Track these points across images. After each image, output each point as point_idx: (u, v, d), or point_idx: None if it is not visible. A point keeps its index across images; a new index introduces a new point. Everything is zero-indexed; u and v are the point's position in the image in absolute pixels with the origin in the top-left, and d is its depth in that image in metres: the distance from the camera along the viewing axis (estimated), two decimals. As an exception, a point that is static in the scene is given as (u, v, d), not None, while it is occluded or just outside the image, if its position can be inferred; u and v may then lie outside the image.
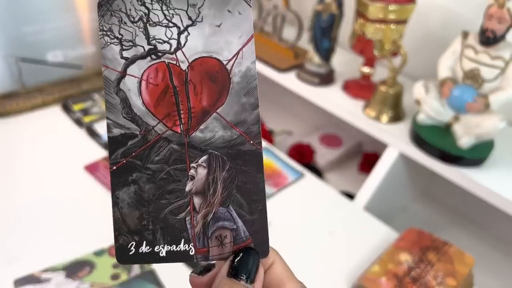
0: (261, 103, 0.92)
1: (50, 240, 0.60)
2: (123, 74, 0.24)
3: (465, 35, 0.66)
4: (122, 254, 0.25)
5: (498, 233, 0.84)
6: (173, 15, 0.24)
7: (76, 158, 0.74)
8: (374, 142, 0.82)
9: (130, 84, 0.24)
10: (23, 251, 0.58)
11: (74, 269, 0.56)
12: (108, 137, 0.25)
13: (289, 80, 0.86)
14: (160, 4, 0.24)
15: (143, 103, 0.25)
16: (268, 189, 0.72)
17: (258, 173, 0.26)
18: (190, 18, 0.24)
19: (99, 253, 0.59)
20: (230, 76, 0.25)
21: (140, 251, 0.25)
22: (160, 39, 0.24)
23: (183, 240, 0.25)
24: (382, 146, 0.76)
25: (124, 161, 0.25)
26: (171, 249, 0.25)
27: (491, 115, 0.64)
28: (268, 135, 1.01)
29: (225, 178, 0.25)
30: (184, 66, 0.25)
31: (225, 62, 0.24)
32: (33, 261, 0.57)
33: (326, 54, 0.81)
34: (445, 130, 0.69)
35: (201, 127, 0.25)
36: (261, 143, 0.25)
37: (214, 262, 0.26)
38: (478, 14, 0.63)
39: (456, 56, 0.67)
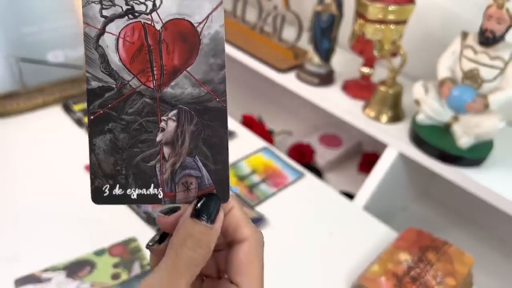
0: (261, 103, 0.92)
1: (51, 239, 0.60)
2: (102, 31, 0.26)
3: (464, 35, 0.66)
4: (97, 196, 0.28)
5: (498, 233, 0.84)
6: None
7: (77, 158, 0.74)
8: (373, 142, 0.82)
9: (108, 41, 0.26)
10: (24, 250, 0.58)
11: (75, 268, 0.56)
12: (87, 89, 0.27)
13: (289, 80, 0.86)
14: None
15: (120, 59, 0.27)
16: (268, 189, 0.73)
17: (222, 128, 0.28)
18: None
19: (99, 253, 0.59)
20: (200, 38, 0.27)
21: (114, 193, 0.28)
22: (137, 0, 0.26)
23: (152, 185, 0.28)
24: (382, 146, 0.76)
25: (101, 112, 0.27)
26: (142, 193, 0.28)
27: (490, 115, 0.64)
28: (268, 135, 1.01)
29: (192, 131, 0.28)
30: (158, 27, 0.27)
31: (196, 25, 0.26)
32: (33, 261, 0.57)
33: (326, 54, 0.82)
34: (445, 130, 0.70)
35: (172, 83, 0.27)
36: (226, 101, 0.27)
37: (180, 205, 0.28)
38: (477, 15, 0.63)
39: (456, 56, 0.67)
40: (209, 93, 0.27)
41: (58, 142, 0.78)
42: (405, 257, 0.59)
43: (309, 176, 0.77)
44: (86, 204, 0.69)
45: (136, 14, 0.26)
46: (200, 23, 0.26)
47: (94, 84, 0.27)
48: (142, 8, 0.26)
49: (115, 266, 0.57)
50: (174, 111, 0.27)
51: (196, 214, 0.26)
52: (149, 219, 0.65)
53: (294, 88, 0.86)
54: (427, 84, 0.70)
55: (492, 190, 0.63)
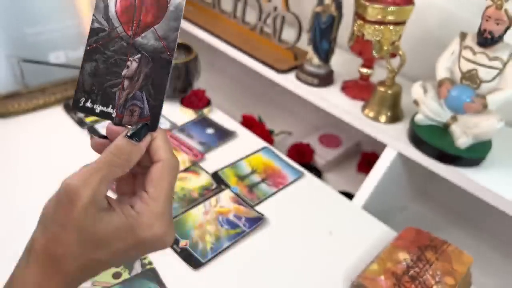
0: (261, 103, 0.93)
1: (52, 239, 0.61)
2: None
3: (463, 36, 0.66)
4: (75, 105, 0.37)
5: (496, 233, 0.85)
6: None
7: (78, 158, 0.74)
8: (373, 142, 0.83)
9: None
10: (25, 250, 0.59)
11: (76, 268, 0.57)
12: (90, 28, 0.36)
13: (289, 81, 0.87)
14: None
15: (116, 10, 0.36)
16: (268, 189, 0.73)
17: (166, 74, 0.35)
18: None
19: (100, 252, 0.59)
20: (168, 5, 0.35)
21: (85, 105, 0.37)
22: None
23: (111, 106, 0.36)
24: (381, 146, 0.76)
25: (94, 45, 0.36)
26: (103, 109, 0.37)
27: (489, 115, 0.64)
28: (268, 135, 1.01)
29: (146, 72, 0.36)
30: None
31: None
32: (35, 260, 0.57)
33: (325, 55, 0.82)
34: (443, 130, 0.70)
35: (142, 35, 0.36)
36: (173, 55, 0.36)
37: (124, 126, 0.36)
38: (476, 15, 0.63)
39: (454, 57, 0.67)
40: (164, 47, 0.35)
41: (60, 142, 0.78)
42: (404, 256, 0.60)
43: (309, 176, 0.78)
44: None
45: None
46: None
47: (96, 25, 0.36)
48: None
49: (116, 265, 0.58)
50: (138, 55, 0.36)
51: (129, 135, 0.34)
52: (150, 219, 0.65)
53: (293, 88, 0.87)
54: (426, 84, 0.70)
55: (491, 190, 0.64)
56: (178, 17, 0.36)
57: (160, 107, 0.35)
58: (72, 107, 0.37)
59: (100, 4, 0.37)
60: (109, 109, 0.36)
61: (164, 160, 0.34)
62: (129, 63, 0.36)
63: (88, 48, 0.36)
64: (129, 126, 0.36)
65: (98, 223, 0.32)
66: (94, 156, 0.82)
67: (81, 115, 0.85)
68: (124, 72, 0.36)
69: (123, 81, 0.36)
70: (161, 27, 0.36)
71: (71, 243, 0.32)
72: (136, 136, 0.34)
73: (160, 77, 0.35)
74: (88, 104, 0.37)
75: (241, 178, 0.75)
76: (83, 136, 0.80)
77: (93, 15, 0.36)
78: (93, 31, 0.36)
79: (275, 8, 0.89)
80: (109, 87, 0.36)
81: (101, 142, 0.36)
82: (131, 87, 0.36)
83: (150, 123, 0.35)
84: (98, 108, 0.37)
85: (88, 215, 0.31)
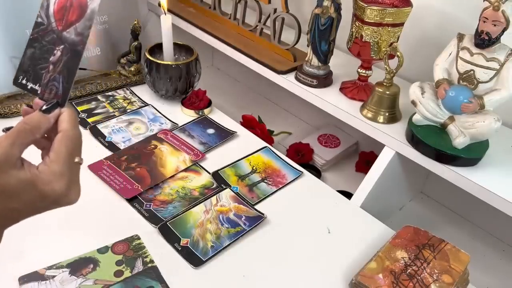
0: (261, 103, 0.94)
1: (54, 237, 0.61)
2: None
3: (460, 37, 0.67)
4: (16, 81, 0.47)
5: (493, 231, 0.85)
6: None
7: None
8: (371, 142, 0.83)
9: None
10: (28, 248, 0.59)
11: (78, 266, 0.57)
12: (35, 21, 0.47)
13: (288, 82, 0.87)
14: None
15: (53, 9, 0.46)
16: (268, 188, 0.74)
17: (78, 63, 0.45)
18: None
19: (102, 251, 0.60)
20: (87, 9, 0.45)
21: (22, 82, 0.47)
22: None
23: (38, 84, 0.46)
24: (379, 146, 0.77)
25: (35, 35, 0.47)
26: (33, 86, 0.46)
27: (486, 116, 0.65)
28: (268, 135, 1.02)
29: (65, 60, 0.45)
30: None
31: (88, 2, 0.45)
32: (37, 259, 0.58)
33: (324, 56, 0.83)
34: (441, 130, 0.71)
35: (67, 30, 0.45)
36: (84, 48, 0.45)
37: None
38: (473, 17, 0.64)
39: (452, 58, 0.68)
40: (80, 41, 0.45)
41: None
42: (402, 255, 0.60)
43: (308, 176, 0.78)
44: (89, 203, 0.70)
45: None
46: (92, 2, 0.45)
47: (39, 20, 0.47)
48: None
49: (118, 263, 0.58)
50: (62, 46, 0.45)
51: (43, 110, 0.42)
52: (152, 217, 0.66)
53: (293, 89, 0.87)
54: (423, 85, 0.71)
55: (488, 189, 0.64)
56: (92, 18, 0.45)
57: (69, 88, 0.44)
58: (13, 83, 0.47)
59: (44, 3, 0.47)
60: (37, 87, 0.46)
61: (64, 130, 0.42)
62: (55, 51, 0.46)
63: (31, 37, 0.47)
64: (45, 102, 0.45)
65: (8, 178, 0.39)
66: (96, 155, 0.83)
67: (83, 115, 0.86)
68: (51, 58, 0.46)
69: (49, 66, 0.46)
70: (80, 25, 0.45)
71: None
72: (47, 110, 0.42)
73: (73, 65, 0.45)
74: (24, 81, 0.47)
75: (241, 177, 0.75)
76: (85, 136, 0.80)
77: (39, 11, 0.47)
78: (36, 24, 0.47)
79: (275, 10, 0.90)
80: (40, 69, 0.46)
81: (27, 110, 0.45)
82: (53, 71, 0.46)
83: (61, 100, 0.44)
84: (30, 85, 0.47)
85: (1, 171, 0.39)
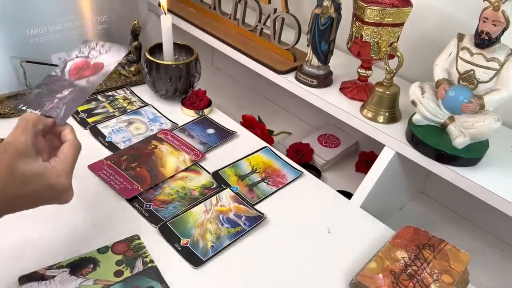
0: (261, 103, 0.94)
1: (54, 237, 0.61)
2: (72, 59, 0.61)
3: (460, 37, 0.67)
4: (15, 107, 0.55)
5: (493, 231, 0.85)
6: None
7: (80, 158, 0.75)
8: (371, 142, 0.83)
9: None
10: (28, 248, 0.59)
11: (78, 266, 0.57)
12: (49, 74, 0.58)
13: (288, 82, 0.87)
14: None
15: (69, 68, 0.58)
16: (268, 188, 0.74)
17: (83, 99, 0.55)
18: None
19: (102, 251, 0.60)
20: (103, 69, 0.58)
21: (22, 108, 0.54)
22: (94, 52, 0.62)
23: (38, 110, 0.53)
24: (379, 146, 0.77)
25: (46, 82, 0.57)
26: (31, 110, 0.53)
27: (486, 116, 0.65)
28: (268, 135, 1.02)
29: (71, 97, 0.55)
30: (91, 62, 0.61)
31: (106, 65, 0.59)
32: (37, 259, 0.58)
33: (324, 56, 0.83)
34: (441, 130, 0.71)
35: (79, 80, 0.57)
36: (92, 91, 0.56)
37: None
38: (473, 17, 0.64)
39: (452, 58, 0.68)
40: (89, 86, 0.56)
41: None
42: (402, 255, 0.60)
43: (308, 176, 0.78)
44: (89, 203, 0.70)
45: (89, 56, 0.61)
46: (108, 65, 0.59)
47: (53, 73, 0.58)
48: (94, 54, 0.61)
49: (118, 263, 0.58)
50: (71, 89, 0.55)
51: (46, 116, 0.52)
52: (152, 217, 0.66)
53: (293, 89, 0.87)
54: (423, 85, 0.71)
55: (488, 189, 0.64)
56: (106, 74, 0.57)
57: (70, 114, 0.54)
58: (12, 108, 0.56)
59: (61, 64, 0.59)
60: (37, 112, 0.53)
61: (71, 139, 0.51)
62: (64, 91, 0.55)
63: (41, 83, 0.57)
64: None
65: (23, 165, 0.45)
66: (96, 155, 0.83)
67: (83, 115, 0.86)
68: (58, 95, 0.55)
69: (54, 99, 0.54)
70: (93, 77, 0.56)
71: (3, 178, 0.45)
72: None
73: (78, 100, 0.55)
74: (24, 108, 0.54)
75: (241, 177, 0.75)
76: (85, 136, 0.81)
77: (55, 69, 0.58)
78: (49, 76, 0.57)
79: (275, 10, 0.90)
80: (44, 101, 0.54)
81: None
82: (57, 103, 0.54)
83: (61, 119, 0.53)
84: (29, 110, 0.53)
85: (16, 158, 0.45)
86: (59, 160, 0.49)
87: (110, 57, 0.59)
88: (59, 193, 0.48)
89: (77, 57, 0.59)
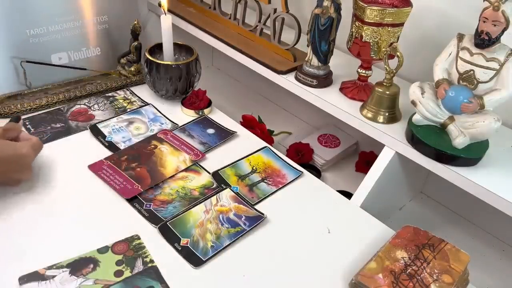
0: (261, 103, 0.94)
1: (54, 237, 0.61)
2: None
3: (460, 37, 0.67)
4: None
5: (493, 231, 0.85)
6: None
7: (80, 158, 0.75)
8: (371, 142, 0.83)
9: None
10: (28, 248, 0.59)
11: (78, 266, 0.57)
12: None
13: (288, 82, 0.87)
14: None
15: None
16: (268, 188, 0.74)
17: None
18: None
19: (102, 250, 0.60)
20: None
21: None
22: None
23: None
24: (379, 146, 0.77)
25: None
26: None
27: (486, 116, 0.65)
28: (268, 135, 1.02)
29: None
30: None
31: None
32: (37, 259, 0.58)
33: (324, 56, 0.83)
34: (441, 130, 0.71)
35: None
36: None
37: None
38: (473, 17, 0.64)
39: (452, 58, 0.68)
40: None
41: (62, 142, 0.79)
42: (402, 255, 0.60)
43: (308, 175, 0.78)
44: (89, 202, 0.70)
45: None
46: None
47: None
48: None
49: (118, 263, 0.58)
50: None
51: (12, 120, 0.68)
52: (152, 217, 0.66)
53: (293, 89, 0.87)
54: (423, 85, 0.71)
55: (488, 189, 0.64)
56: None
57: None
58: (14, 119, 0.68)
59: None
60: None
61: (34, 138, 0.66)
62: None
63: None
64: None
65: None
66: (96, 155, 0.83)
67: (82, 115, 0.86)
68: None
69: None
70: None
71: None
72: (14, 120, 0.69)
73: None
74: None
75: (241, 177, 0.75)
76: (85, 135, 0.81)
77: None
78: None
79: (275, 10, 0.90)
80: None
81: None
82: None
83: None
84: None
85: None
86: (23, 140, 0.65)
87: None
88: (21, 166, 0.63)
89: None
